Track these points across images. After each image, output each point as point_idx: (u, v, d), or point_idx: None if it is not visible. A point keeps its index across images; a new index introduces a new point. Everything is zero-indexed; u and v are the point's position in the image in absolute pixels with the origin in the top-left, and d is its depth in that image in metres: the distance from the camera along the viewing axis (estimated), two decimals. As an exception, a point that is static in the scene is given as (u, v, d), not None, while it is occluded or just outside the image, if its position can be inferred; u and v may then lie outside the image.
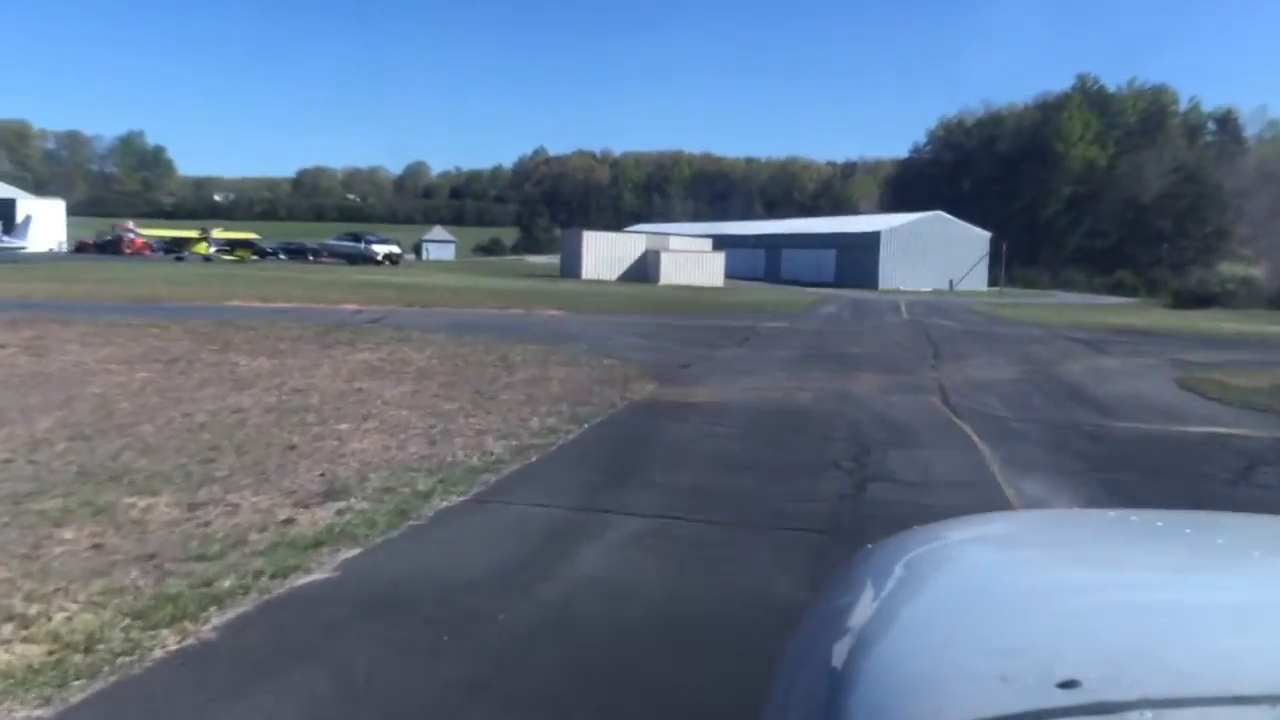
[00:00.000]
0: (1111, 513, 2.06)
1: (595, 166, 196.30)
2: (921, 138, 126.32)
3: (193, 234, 57.72)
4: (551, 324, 22.68)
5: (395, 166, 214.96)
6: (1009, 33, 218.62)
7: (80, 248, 65.01)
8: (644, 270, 63.60)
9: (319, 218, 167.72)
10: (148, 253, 57.30)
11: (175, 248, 56.49)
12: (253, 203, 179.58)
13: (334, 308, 24.35)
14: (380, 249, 65.28)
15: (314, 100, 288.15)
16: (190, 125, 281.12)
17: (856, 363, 17.79)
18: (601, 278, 62.54)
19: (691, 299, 38.84)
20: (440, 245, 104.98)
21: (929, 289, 70.99)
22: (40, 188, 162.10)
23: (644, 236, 68.91)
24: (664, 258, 63.04)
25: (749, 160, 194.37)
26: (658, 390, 12.94)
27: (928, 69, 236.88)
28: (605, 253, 64.78)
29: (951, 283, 74.72)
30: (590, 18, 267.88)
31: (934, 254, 74.67)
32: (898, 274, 72.70)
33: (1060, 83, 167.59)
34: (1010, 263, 79.29)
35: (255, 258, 57.28)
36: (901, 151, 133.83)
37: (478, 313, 25.45)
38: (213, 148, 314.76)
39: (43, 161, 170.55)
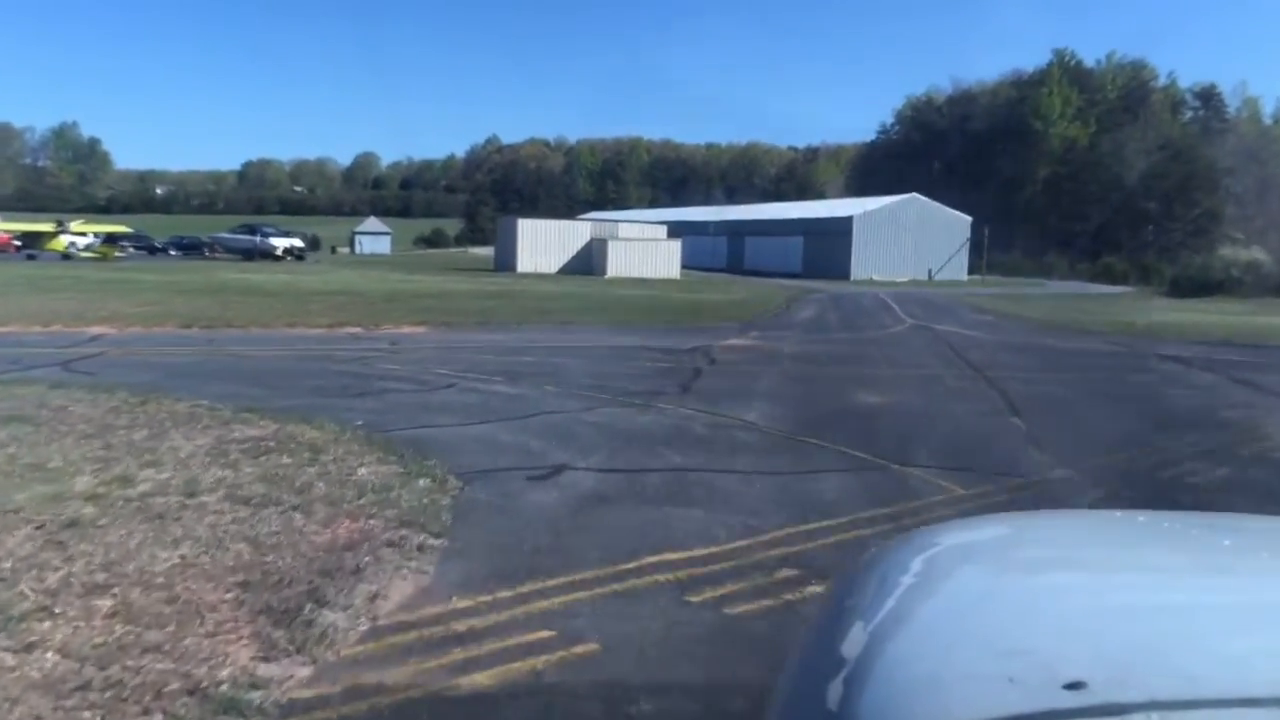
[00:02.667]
0: (1118, 514, 1.96)
1: (549, 154, 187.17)
2: (888, 119, 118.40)
3: (47, 227, 48.25)
4: (367, 360, 14.20)
5: (344, 158, 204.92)
6: (973, 11, 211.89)
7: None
8: (589, 261, 55.20)
9: (260, 210, 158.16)
10: (13, 250, 47.65)
11: (28, 243, 47.00)
12: (191, 196, 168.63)
13: (69, 331, 15.81)
14: (280, 242, 56.17)
15: (261, 93, 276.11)
16: (129, 118, 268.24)
17: (901, 444, 9.39)
18: (541, 270, 54.10)
19: (632, 298, 30.50)
20: (375, 238, 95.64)
21: (905, 278, 63.07)
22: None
23: (589, 224, 60.35)
24: (611, 247, 54.63)
25: (709, 146, 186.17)
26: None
27: (889, 51, 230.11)
28: (545, 243, 56.26)
29: (930, 272, 66.84)
30: (546, 4, 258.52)
31: (910, 240, 66.70)
32: (871, 262, 64.69)
33: (1027, 60, 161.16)
34: (988, 249, 71.68)
35: (120, 255, 48.04)
36: (865, 135, 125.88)
37: (284, 335, 16.94)
38: (155, 141, 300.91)
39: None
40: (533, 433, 9.03)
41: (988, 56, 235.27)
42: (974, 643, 1.05)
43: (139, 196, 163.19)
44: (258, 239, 55.76)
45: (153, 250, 58.11)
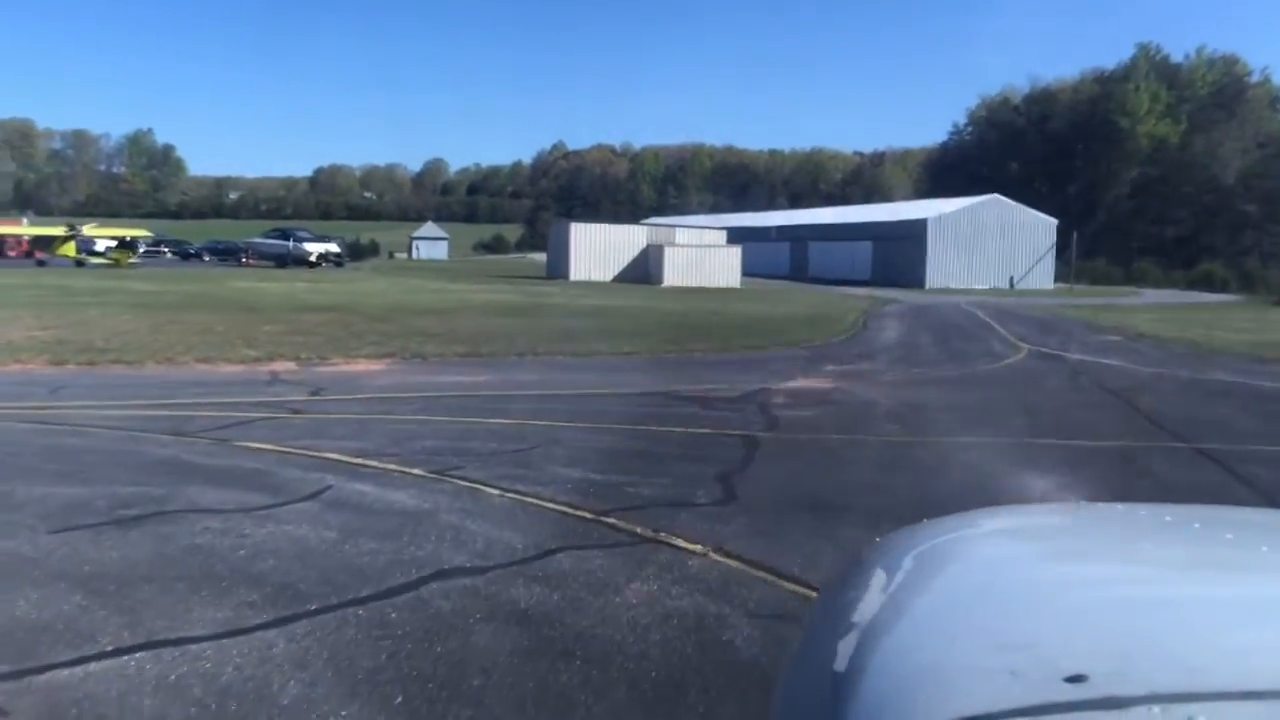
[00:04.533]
0: (1119, 506, 1.81)
1: (613, 160, 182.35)
2: (961, 119, 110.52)
3: (58, 231, 44.39)
4: (233, 431, 9.11)
5: (414, 164, 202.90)
6: (1039, 12, 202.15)
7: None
8: (645, 269, 49.97)
9: (326, 216, 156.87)
10: (39, 254, 43.99)
11: (39, 248, 43.22)
12: (261, 201, 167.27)
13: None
14: (314, 248, 51.64)
15: (334, 99, 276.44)
16: (204, 125, 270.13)
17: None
18: (594, 278, 49.09)
19: (679, 314, 25.11)
20: (432, 243, 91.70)
21: (985, 287, 56.61)
22: (41, 186, 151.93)
23: (645, 229, 55.03)
24: (668, 254, 49.23)
25: (772, 152, 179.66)
26: None
27: (955, 54, 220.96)
28: (599, 248, 51.21)
29: (1012, 280, 60.13)
30: (612, 10, 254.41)
31: (991, 246, 60.02)
32: (948, 269, 58.29)
33: (1101, 58, 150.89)
34: (1072, 255, 64.70)
35: (135, 260, 43.95)
36: (932, 139, 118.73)
37: (178, 377, 11.96)
38: (230, 148, 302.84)
39: (48, 161, 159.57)
40: (371, 653, 3.84)
41: (1058, 54, 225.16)
42: (975, 636, 1.02)
43: (210, 202, 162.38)
44: (290, 244, 51.39)
45: (186, 256, 54.51)
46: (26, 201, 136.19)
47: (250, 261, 52.35)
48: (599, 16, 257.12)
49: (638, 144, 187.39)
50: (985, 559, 1.38)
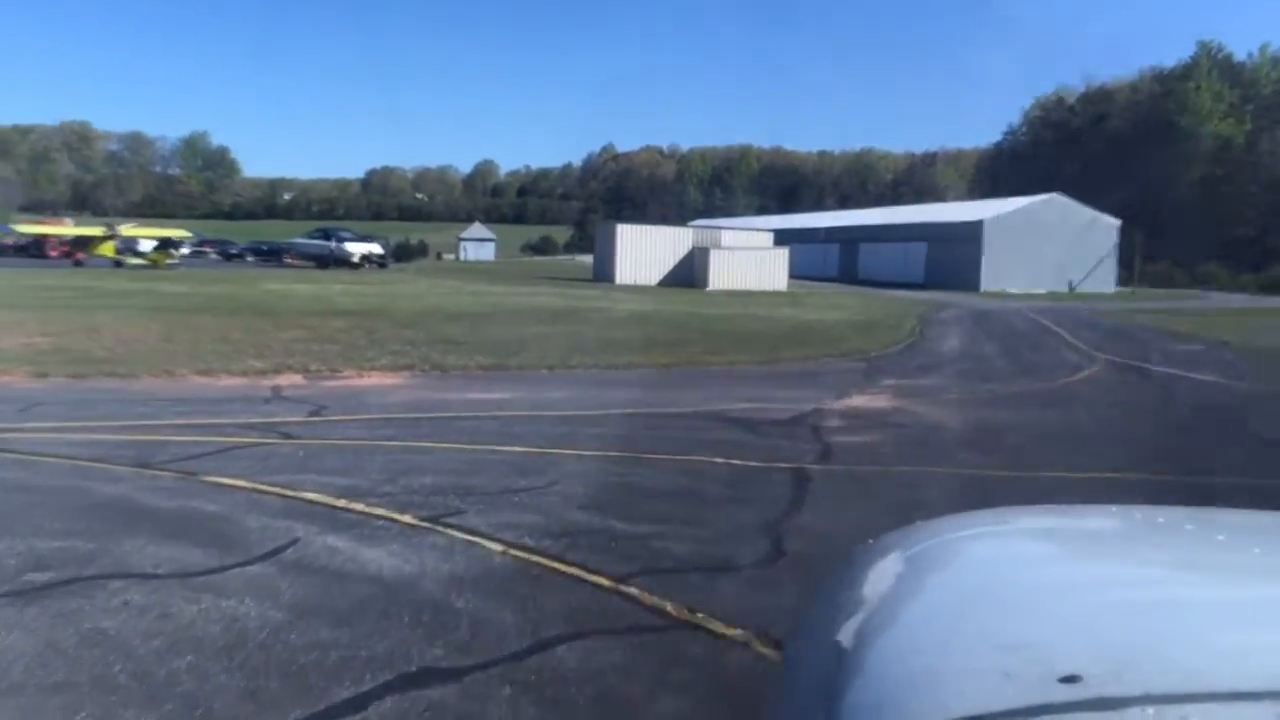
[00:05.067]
0: (1114, 508, 1.80)
1: (661, 162, 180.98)
2: (1015, 120, 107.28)
3: (96, 232, 44.00)
4: (208, 463, 7.90)
5: (465, 166, 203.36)
6: (1091, 13, 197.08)
7: (-1, 250, 53.10)
8: (690, 271, 48.52)
9: (378, 217, 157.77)
10: (77, 255, 43.63)
11: (76, 248, 42.86)
12: (313, 203, 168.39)
13: None
14: (356, 249, 50.74)
15: (387, 102, 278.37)
16: (258, 127, 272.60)
17: None
18: (640, 282, 47.73)
19: (724, 320, 23.68)
20: (479, 244, 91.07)
21: (1043, 290, 54.31)
22: (98, 187, 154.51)
23: (691, 231, 53.51)
24: (714, 256, 47.64)
25: (821, 154, 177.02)
26: None
27: (1007, 54, 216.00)
28: (645, 251, 49.75)
29: (1071, 284, 57.73)
30: (662, 11, 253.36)
31: (1049, 247, 57.52)
32: (1004, 272, 56.01)
33: (1163, 57, 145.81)
34: (1134, 257, 62.08)
35: (174, 261, 43.44)
36: (984, 140, 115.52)
37: (171, 391, 10.86)
38: (284, 150, 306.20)
39: (105, 162, 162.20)
40: None
41: (1113, 55, 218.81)
42: (970, 637, 1.02)
43: (263, 203, 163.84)
44: (332, 245, 50.59)
45: (229, 256, 54.17)
46: (83, 202, 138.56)
47: (293, 262, 51.82)
48: (649, 18, 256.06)
49: (685, 146, 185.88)
50: (980, 560, 1.35)
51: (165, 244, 43.67)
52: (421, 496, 6.61)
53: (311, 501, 6.41)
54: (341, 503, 6.38)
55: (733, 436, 9.38)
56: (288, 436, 8.41)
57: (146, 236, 44.42)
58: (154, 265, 41.18)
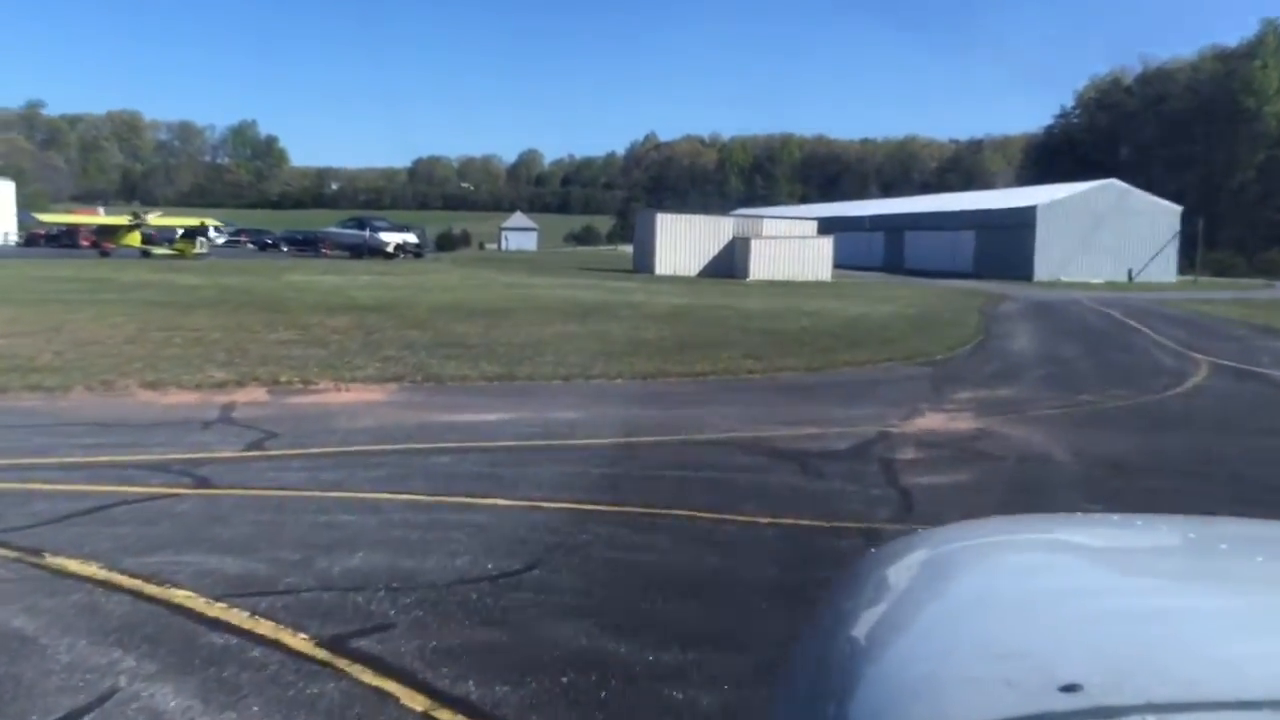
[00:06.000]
0: (1115, 517, 1.80)
1: (703, 151, 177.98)
2: (1068, 102, 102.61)
3: (123, 220, 42.59)
4: (39, 541, 5.98)
5: (509, 155, 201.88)
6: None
7: (30, 240, 52.10)
8: (731, 262, 46.18)
9: (423, 206, 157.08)
10: (110, 245, 42.35)
11: (101, 238, 41.50)
12: (359, 192, 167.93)
13: None
14: (391, 238, 48.87)
15: (434, 91, 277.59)
16: (307, 117, 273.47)
17: None
18: (680, 272, 45.48)
19: (765, 316, 21.33)
20: (521, 234, 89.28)
21: (1100, 280, 51.19)
22: (147, 177, 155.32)
23: (732, 220, 51.05)
24: (755, 246, 45.20)
25: (864, 141, 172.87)
26: None
27: (1055, 38, 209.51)
28: (685, 240, 47.43)
29: (1130, 273, 54.47)
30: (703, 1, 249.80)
31: (1106, 234, 54.30)
32: (1059, 260, 52.94)
33: (1220, 36, 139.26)
34: (1195, 245, 58.53)
35: (202, 250, 41.93)
36: (1033, 125, 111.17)
37: (106, 410, 8.92)
38: (331, 139, 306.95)
39: (155, 151, 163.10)
40: None
41: (1164, 36, 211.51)
42: (971, 645, 1.01)
43: (310, 192, 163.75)
44: (367, 234, 48.80)
45: (263, 246, 52.87)
46: (133, 191, 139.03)
47: (329, 252, 50.28)
48: (692, 6, 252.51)
49: (726, 134, 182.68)
50: (981, 569, 1.34)
51: (192, 233, 42.20)
52: (336, 595, 4.53)
53: (176, 606, 4.36)
54: (218, 608, 4.32)
55: (782, 478, 7.21)
56: (202, 484, 6.38)
57: (173, 225, 43.04)
58: (181, 255, 39.79)
